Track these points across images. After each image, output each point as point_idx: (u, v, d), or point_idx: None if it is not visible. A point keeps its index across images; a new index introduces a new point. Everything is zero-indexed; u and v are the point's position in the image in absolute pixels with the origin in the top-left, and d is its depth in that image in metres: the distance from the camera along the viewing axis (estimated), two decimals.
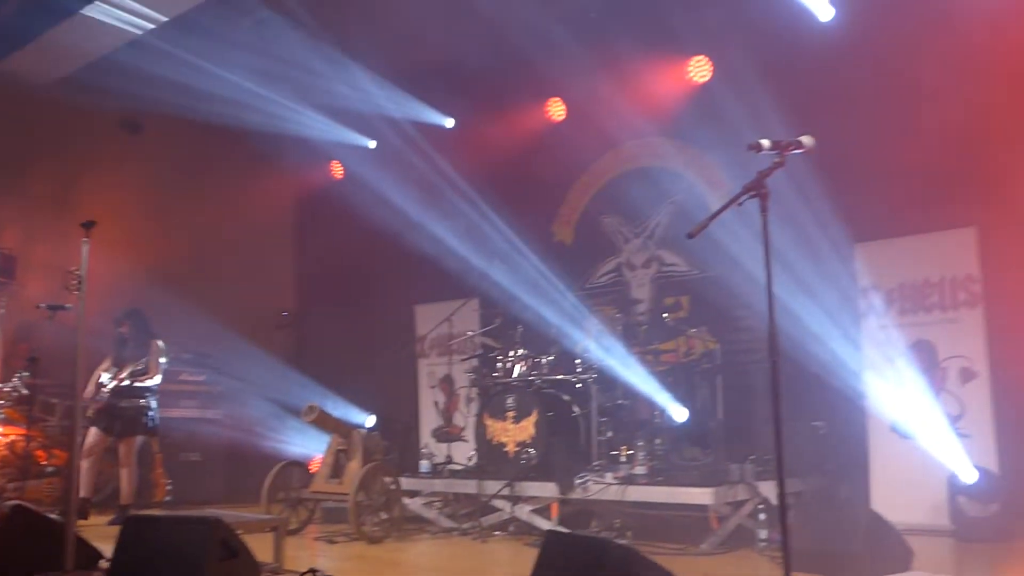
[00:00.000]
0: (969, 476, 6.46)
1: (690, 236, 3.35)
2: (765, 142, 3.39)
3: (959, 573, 5.68)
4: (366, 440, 7.07)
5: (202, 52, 8.66)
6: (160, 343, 7.76)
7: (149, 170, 10.29)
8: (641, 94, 8.68)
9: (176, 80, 8.73)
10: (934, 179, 6.87)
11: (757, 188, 3.27)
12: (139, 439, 7.80)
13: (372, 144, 10.78)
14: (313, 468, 7.72)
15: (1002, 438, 6.70)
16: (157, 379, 7.70)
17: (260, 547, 4.50)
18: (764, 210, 3.28)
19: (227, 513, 5.58)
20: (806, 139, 3.43)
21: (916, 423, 6.89)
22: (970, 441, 6.73)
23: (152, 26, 8.55)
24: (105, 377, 7.60)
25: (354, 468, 6.88)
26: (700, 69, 8.54)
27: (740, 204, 3.32)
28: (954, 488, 6.53)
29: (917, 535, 6.20)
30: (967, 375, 6.91)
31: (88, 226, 4.49)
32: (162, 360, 7.71)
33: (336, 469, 7.08)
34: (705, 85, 8.52)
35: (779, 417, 3.10)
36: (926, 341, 7.11)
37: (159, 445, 8.44)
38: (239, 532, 4.18)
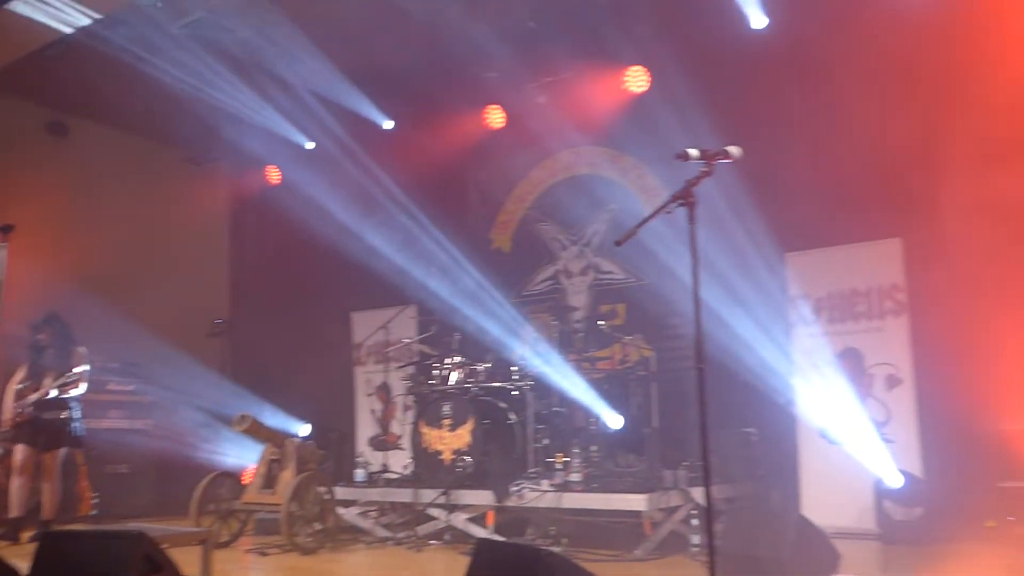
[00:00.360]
0: (894, 481, 6.62)
1: (618, 244, 3.38)
2: (693, 151, 3.44)
3: (884, 575, 5.81)
4: (300, 449, 6.96)
5: (133, 53, 8.46)
6: (82, 350, 7.53)
7: (75, 174, 10.01)
8: (579, 103, 8.75)
9: (105, 82, 8.51)
10: (862, 190, 7.05)
11: (685, 197, 3.32)
12: (62, 451, 7.56)
13: (310, 145, 10.64)
14: (246, 479, 7.57)
15: (926, 443, 6.89)
16: (83, 388, 7.48)
17: (188, 561, 4.40)
18: (692, 219, 3.32)
19: (152, 527, 5.44)
20: (733, 149, 3.48)
21: (844, 429, 7.04)
22: (895, 446, 6.91)
23: (81, 24, 8.31)
24: (21, 388, 7.34)
25: (287, 478, 6.78)
26: (637, 79, 8.63)
27: (668, 212, 3.36)
28: (880, 492, 6.68)
29: (845, 539, 6.33)
30: (893, 382, 7.09)
31: (6, 230, 4.36)
32: (85, 368, 7.48)
33: (269, 479, 6.96)
34: (642, 95, 8.61)
35: (705, 423, 3.14)
36: (854, 349, 7.28)
37: (84, 457, 8.20)
38: (165, 546, 4.07)
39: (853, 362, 7.26)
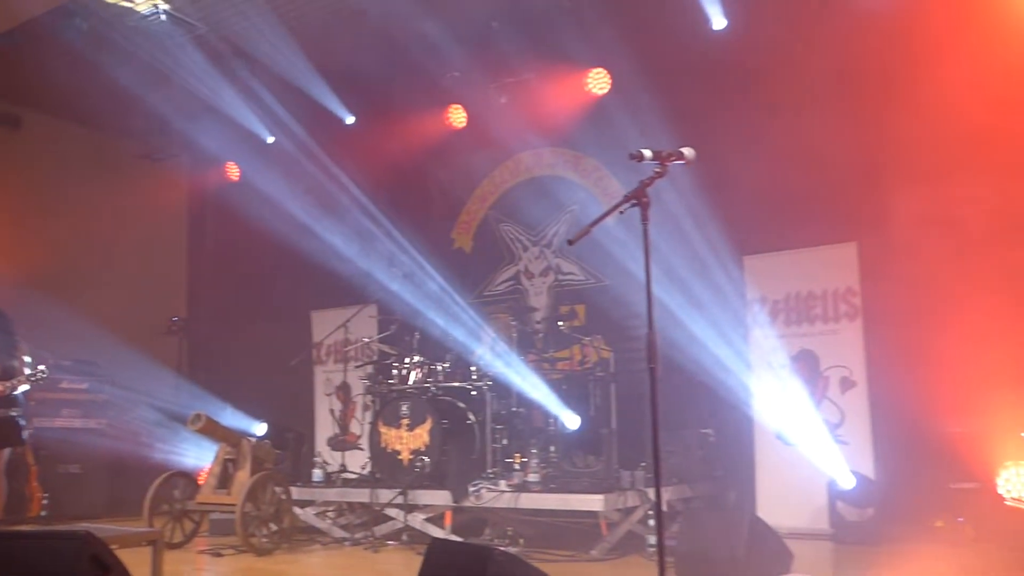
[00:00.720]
0: (847, 482, 6.71)
1: (570, 243, 3.39)
2: (647, 152, 3.45)
3: (836, 574, 5.88)
4: (256, 449, 6.89)
5: (89, 44, 8.31)
6: (25, 346, 7.36)
7: (28, 167, 9.83)
8: (541, 104, 8.78)
9: (60, 74, 8.36)
10: (819, 195, 7.14)
11: (638, 196, 3.33)
12: (7, 451, 7.38)
13: (270, 139, 10.53)
14: (201, 479, 7.48)
15: (878, 445, 6.99)
16: (27, 385, 7.32)
17: (138, 562, 4.33)
18: (645, 218, 3.34)
19: (102, 527, 5.35)
20: (687, 151, 3.51)
21: (799, 431, 7.12)
22: (849, 448, 7.01)
23: (34, 13, 8.15)
24: None
25: (242, 478, 6.71)
26: (598, 81, 8.66)
27: (622, 212, 3.37)
28: (833, 493, 6.78)
29: (799, 539, 6.41)
30: (847, 384, 7.18)
31: None
32: (31, 366, 7.31)
33: (224, 479, 6.88)
34: (603, 97, 8.65)
35: (657, 422, 3.16)
36: (809, 351, 7.37)
37: (35, 457, 8.04)
38: (113, 547, 3.99)
39: (809, 364, 7.34)
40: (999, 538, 5.73)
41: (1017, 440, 5.89)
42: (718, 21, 7.73)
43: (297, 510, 7.28)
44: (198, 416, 6.77)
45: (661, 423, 7.35)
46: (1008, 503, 4.77)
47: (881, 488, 6.72)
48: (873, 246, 7.08)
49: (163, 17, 8.06)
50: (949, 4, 6.64)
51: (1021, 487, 4.98)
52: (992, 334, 6.23)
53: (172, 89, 9.13)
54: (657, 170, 3.46)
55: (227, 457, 6.94)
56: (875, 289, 7.10)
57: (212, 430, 6.89)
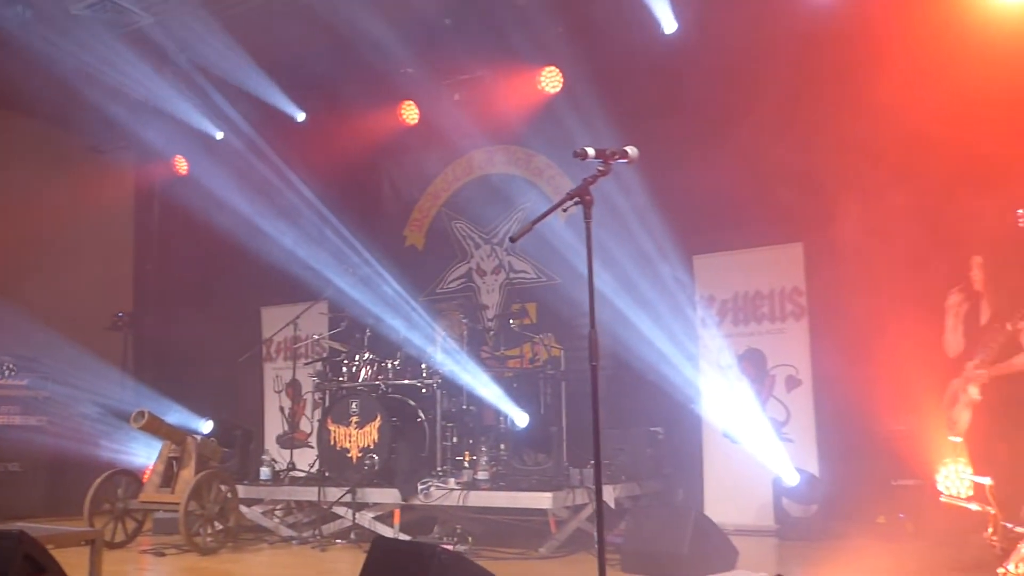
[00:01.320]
0: (792, 479, 6.81)
1: (512, 240, 3.39)
2: (590, 150, 3.47)
3: (779, 570, 5.95)
4: (201, 447, 6.79)
5: (33, 33, 8.12)
6: None
7: None
8: (494, 102, 8.78)
9: (2, 63, 8.15)
10: (766, 195, 7.22)
11: (581, 194, 3.35)
12: None
13: (219, 135, 10.40)
14: (145, 477, 7.35)
15: (823, 443, 7.11)
16: None
17: (78, 562, 4.24)
18: (588, 216, 3.35)
19: (38, 526, 5.22)
20: (630, 149, 3.52)
21: (746, 429, 7.21)
22: (794, 446, 7.12)
23: None
24: None
25: (187, 476, 6.60)
26: (551, 80, 8.68)
27: (565, 210, 3.39)
28: (779, 490, 6.88)
29: (745, 535, 6.51)
30: (792, 383, 7.29)
31: None
32: None
33: (168, 477, 6.76)
34: (556, 96, 8.67)
35: (597, 419, 3.18)
36: (756, 350, 7.47)
37: None
38: (49, 546, 3.91)
39: (756, 363, 7.44)
40: (937, 534, 5.85)
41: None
42: (669, 25, 7.78)
43: (244, 509, 7.19)
44: (141, 413, 6.66)
45: (611, 421, 7.43)
46: (943, 499, 4.86)
47: (825, 485, 6.84)
48: (818, 247, 7.19)
49: (107, 6, 7.88)
50: (894, 14, 6.74)
51: (957, 484, 5.09)
52: (932, 336, 6.35)
53: (118, 81, 8.95)
54: (600, 168, 3.48)
55: (171, 455, 6.83)
56: (820, 289, 7.22)
57: (156, 427, 6.77)
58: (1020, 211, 2.97)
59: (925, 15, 6.62)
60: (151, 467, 7.15)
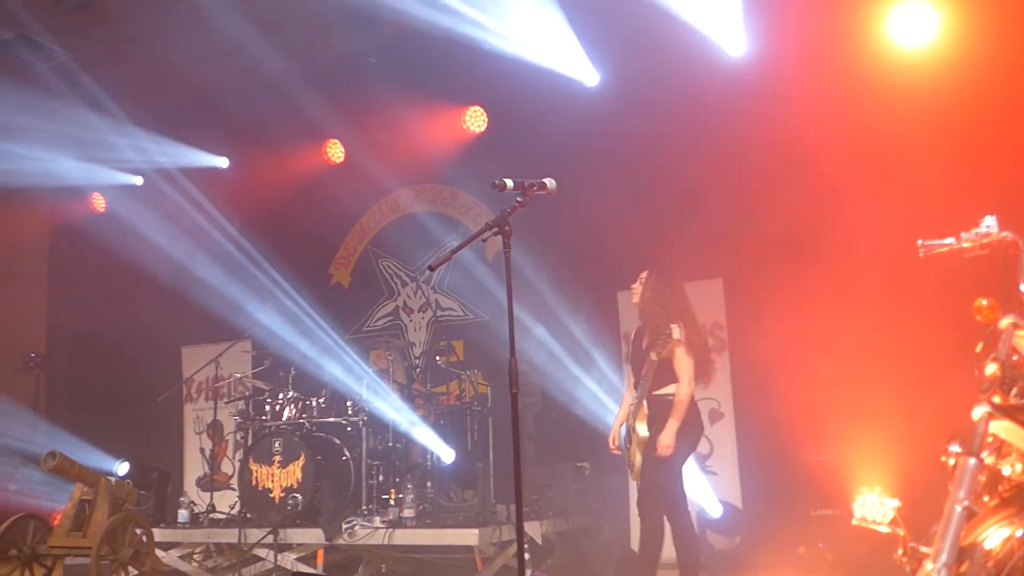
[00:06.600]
0: (715, 511, 6.89)
1: (431, 268, 3.42)
2: (508, 181, 3.52)
3: None
4: (115, 489, 6.56)
5: None
6: None
7: None
8: (419, 141, 8.84)
9: None
10: (686, 232, 7.37)
11: (500, 225, 3.39)
12: None
13: (138, 180, 10.23)
14: (56, 521, 7.06)
15: (744, 474, 7.23)
16: None
17: None
18: (507, 247, 3.39)
19: None
20: (548, 181, 3.58)
21: None
22: (718, 478, 7.21)
23: None
24: None
25: (99, 519, 6.36)
26: (476, 119, 8.79)
27: (484, 240, 3.43)
28: (703, 523, 6.93)
29: (671, 569, 6.52)
30: (715, 416, 7.42)
31: None
32: None
33: (80, 521, 6.50)
34: (481, 135, 8.78)
35: (518, 447, 3.18)
36: None
37: None
38: None
39: None
40: (855, 562, 5.97)
41: (871, 467, 6.17)
42: (591, 78, 7.96)
43: (160, 553, 6.96)
44: (52, 454, 6.41)
45: (538, 457, 7.41)
46: (854, 522, 4.98)
47: (748, 516, 6.95)
48: (737, 281, 7.38)
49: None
50: (804, 63, 7.02)
51: (875, 511, 5.20)
52: (848, 368, 6.55)
53: (32, 115, 8.74)
54: (519, 199, 3.53)
55: (84, 498, 6.57)
56: (739, 323, 7.38)
57: (67, 469, 6.51)
58: (919, 242, 3.11)
59: (829, 60, 6.92)
60: (62, 510, 6.88)
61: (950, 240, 3.06)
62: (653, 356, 5.18)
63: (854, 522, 4.62)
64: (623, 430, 5.47)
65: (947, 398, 5.70)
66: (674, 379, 5.27)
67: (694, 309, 5.46)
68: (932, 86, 6.50)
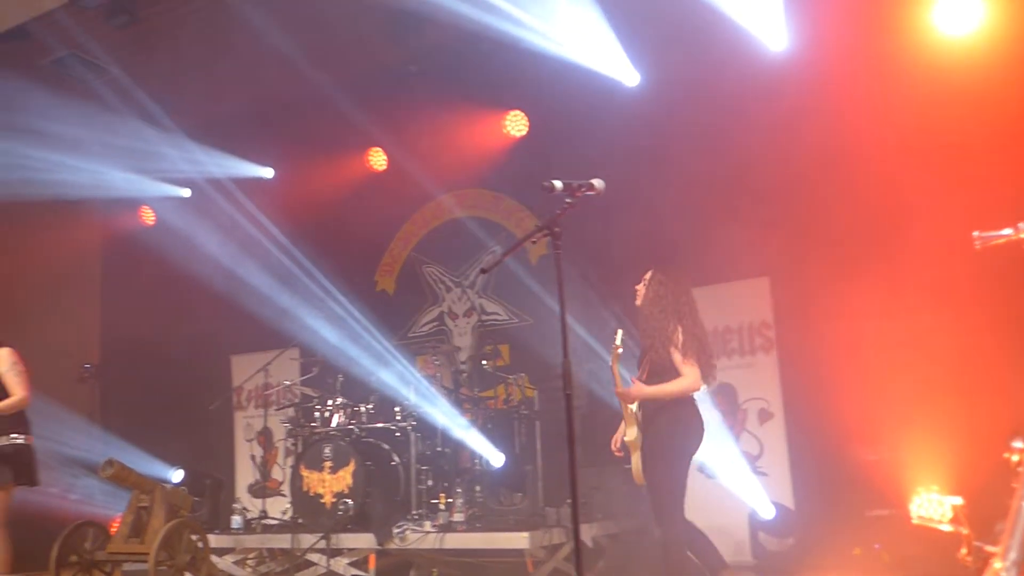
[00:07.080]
0: (767, 512, 6.82)
1: (484, 271, 3.43)
2: (557, 183, 3.52)
3: None
4: (170, 496, 6.67)
5: None
6: None
7: None
8: (460, 146, 8.87)
9: None
10: (733, 230, 7.30)
11: (551, 227, 3.39)
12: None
13: (186, 193, 10.42)
14: (114, 528, 7.20)
15: (796, 475, 7.14)
16: None
17: None
18: (557, 248, 3.39)
19: None
20: (597, 182, 3.57)
21: (720, 463, 7.22)
22: (768, 479, 7.14)
23: None
24: None
25: (156, 526, 6.47)
26: (517, 123, 8.81)
27: (534, 242, 3.43)
28: (754, 524, 6.87)
29: (743, 569, 6.47)
30: (764, 416, 7.34)
31: None
32: None
33: (137, 528, 6.62)
34: (522, 139, 8.80)
35: (574, 450, 3.17)
36: (728, 384, 7.51)
37: None
38: None
39: (727, 397, 7.48)
40: (913, 563, 5.86)
41: (926, 466, 6.07)
42: (631, 79, 7.91)
43: (215, 558, 7.07)
44: (110, 463, 6.55)
45: (586, 460, 7.39)
46: (915, 522, 4.90)
47: (801, 517, 6.85)
48: (785, 279, 7.29)
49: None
50: (848, 57, 6.91)
51: (933, 510, 5.11)
52: (901, 365, 6.44)
53: (83, 129, 8.94)
54: (568, 201, 3.52)
55: (140, 505, 6.70)
56: (788, 321, 7.30)
57: (124, 477, 6.65)
58: (976, 233, 3.05)
59: (873, 52, 6.81)
60: (120, 517, 7.01)
61: (1008, 231, 3.00)
62: (646, 359, 5.09)
63: (915, 521, 4.56)
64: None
65: (1005, 394, 5.65)
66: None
67: (698, 312, 5.19)
68: (981, 75, 6.36)
